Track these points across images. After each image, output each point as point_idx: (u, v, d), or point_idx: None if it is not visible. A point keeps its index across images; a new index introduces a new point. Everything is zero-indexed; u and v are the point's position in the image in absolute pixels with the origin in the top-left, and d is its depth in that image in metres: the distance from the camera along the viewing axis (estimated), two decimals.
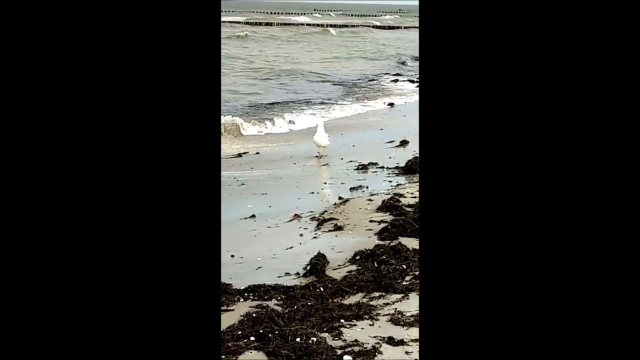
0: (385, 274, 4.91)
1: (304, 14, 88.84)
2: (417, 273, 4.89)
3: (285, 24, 62.92)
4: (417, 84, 21.05)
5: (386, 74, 26.57)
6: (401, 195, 7.23)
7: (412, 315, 4.17)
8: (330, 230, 6.41)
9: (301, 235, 6.38)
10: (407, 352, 3.74)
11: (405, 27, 64.56)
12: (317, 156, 10.64)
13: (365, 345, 3.79)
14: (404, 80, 24.15)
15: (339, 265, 5.29)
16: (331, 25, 60.72)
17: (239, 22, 61.26)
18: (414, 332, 3.91)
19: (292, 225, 6.75)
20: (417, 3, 2.24)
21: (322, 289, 4.74)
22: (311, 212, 7.14)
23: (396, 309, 4.33)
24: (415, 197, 7.09)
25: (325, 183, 8.91)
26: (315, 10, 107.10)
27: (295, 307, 4.33)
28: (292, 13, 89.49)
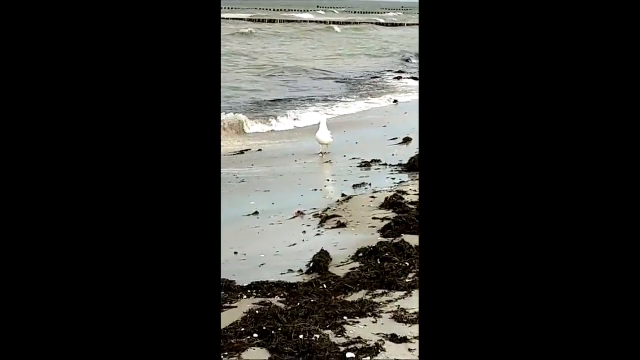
0: (389, 271, 4.91)
1: (308, 11, 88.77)
2: None
3: (289, 21, 62.89)
4: None
5: (389, 71, 26.54)
6: (404, 193, 7.22)
7: (415, 313, 4.17)
8: (333, 228, 6.41)
9: (304, 232, 6.38)
10: (410, 350, 3.74)
11: (408, 25, 64.46)
12: (319, 154, 10.64)
13: (368, 343, 3.79)
14: (407, 78, 24.11)
15: (342, 263, 5.29)
16: (334, 23, 60.66)
17: (242, 19, 61.27)
18: (417, 330, 3.91)
19: (295, 223, 6.75)
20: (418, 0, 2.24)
21: (325, 286, 4.74)
22: (314, 209, 7.14)
23: (399, 306, 4.33)
24: (418, 194, 7.09)
25: (328, 180, 8.92)
26: (318, 7, 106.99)
27: (299, 304, 4.33)
28: (295, 10, 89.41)
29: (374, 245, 5.43)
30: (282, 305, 4.33)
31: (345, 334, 3.92)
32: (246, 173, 9.38)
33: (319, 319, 4.07)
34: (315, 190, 8.23)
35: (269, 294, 4.60)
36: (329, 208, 7.08)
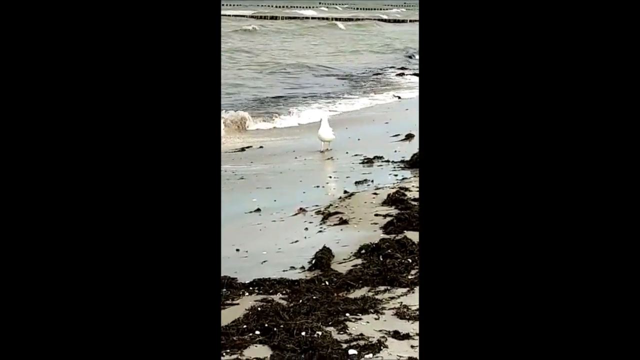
0: (391, 267, 4.90)
1: (311, 7, 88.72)
2: None
3: (291, 18, 62.86)
4: None
5: (392, 67, 26.51)
6: (406, 189, 7.21)
7: (417, 309, 4.16)
8: (335, 224, 6.40)
9: (306, 229, 6.37)
10: (412, 346, 3.73)
11: (411, 21, 64.41)
12: (321, 151, 10.62)
13: (370, 339, 3.79)
14: (410, 74, 24.07)
15: (344, 259, 5.28)
16: (337, 19, 60.61)
17: (244, 16, 61.25)
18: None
19: (297, 219, 6.74)
20: None
21: (327, 282, 4.74)
22: (316, 206, 7.13)
23: (401, 302, 4.33)
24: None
25: (330, 177, 8.90)
26: (320, 3, 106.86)
27: (301, 301, 4.33)
28: (298, 7, 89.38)
29: (376, 241, 5.43)
30: (284, 302, 4.32)
31: (347, 331, 3.91)
32: (246, 170, 9.37)
33: (321, 316, 4.07)
34: (317, 187, 8.22)
35: (270, 291, 4.59)
36: (331, 205, 7.07)
